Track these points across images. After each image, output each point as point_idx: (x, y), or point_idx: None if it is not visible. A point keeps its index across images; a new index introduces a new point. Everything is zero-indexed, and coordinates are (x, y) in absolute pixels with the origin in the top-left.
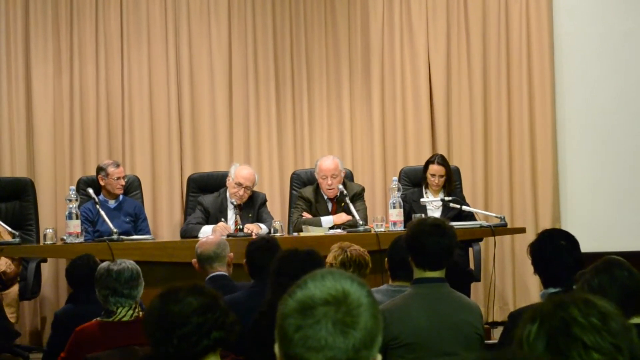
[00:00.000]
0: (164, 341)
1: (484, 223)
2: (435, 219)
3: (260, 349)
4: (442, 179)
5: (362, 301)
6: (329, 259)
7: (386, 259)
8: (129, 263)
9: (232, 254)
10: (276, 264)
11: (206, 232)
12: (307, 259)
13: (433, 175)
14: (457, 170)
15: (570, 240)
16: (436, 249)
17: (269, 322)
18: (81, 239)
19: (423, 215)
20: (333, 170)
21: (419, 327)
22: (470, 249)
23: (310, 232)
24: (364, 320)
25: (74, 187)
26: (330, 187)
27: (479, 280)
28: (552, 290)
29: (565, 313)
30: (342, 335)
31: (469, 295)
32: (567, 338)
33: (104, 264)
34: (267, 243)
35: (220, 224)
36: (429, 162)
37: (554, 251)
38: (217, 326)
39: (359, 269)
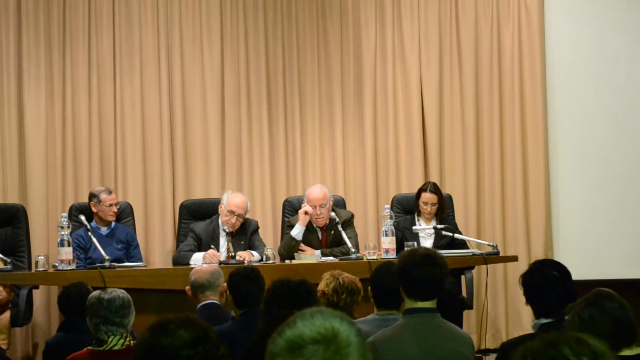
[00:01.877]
0: None
1: (476, 251)
2: (426, 249)
3: None
4: (435, 207)
5: (351, 340)
6: (321, 286)
7: (369, 287)
8: (119, 292)
9: (225, 284)
10: (268, 294)
11: (198, 260)
12: (298, 288)
13: (425, 203)
14: (450, 198)
15: (562, 271)
16: (427, 280)
17: (261, 351)
18: (73, 266)
19: (415, 244)
20: (321, 200)
21: (410, 358)
22: (463, 277)
23: (302, 259)
24: (353, 359)
25: (65, 214)
26: (319, 216)
27: (471, 308)
28: (544, 320)
29: (557, 352)
30: None
31: (461, 322)
32: None
33: (95, 293)
34: (250, 272)
35: (210, 251)
36: (421, 190)
37: (546, 282)
38: (208, 359)
39: (351, 296)
